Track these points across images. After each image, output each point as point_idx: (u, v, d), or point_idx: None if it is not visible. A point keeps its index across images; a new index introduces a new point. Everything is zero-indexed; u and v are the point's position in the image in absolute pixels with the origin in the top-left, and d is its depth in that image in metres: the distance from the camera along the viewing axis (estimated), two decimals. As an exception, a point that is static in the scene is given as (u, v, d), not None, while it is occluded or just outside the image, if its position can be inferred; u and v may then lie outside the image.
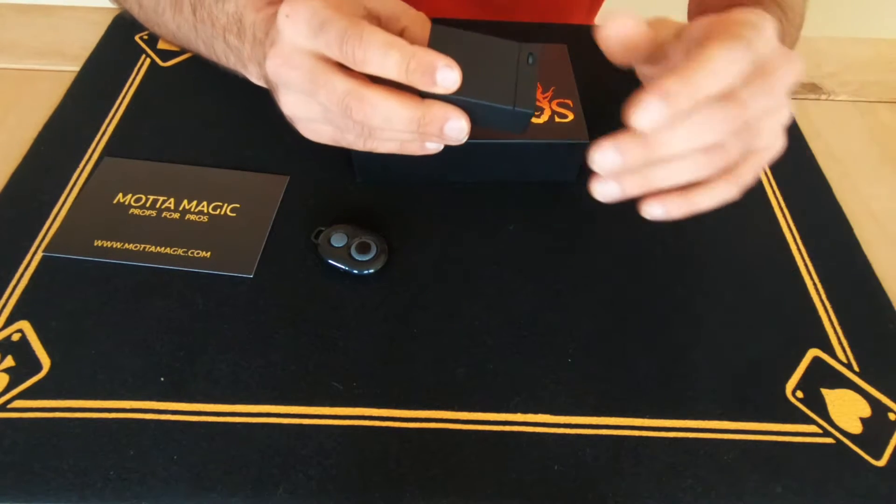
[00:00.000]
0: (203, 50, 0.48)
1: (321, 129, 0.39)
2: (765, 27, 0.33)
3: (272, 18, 0.39)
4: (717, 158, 0.33)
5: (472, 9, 0.69)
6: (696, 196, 0.35)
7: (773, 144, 0.36)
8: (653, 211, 0.35)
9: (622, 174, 0.34)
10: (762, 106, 0.33)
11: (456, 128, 0.35)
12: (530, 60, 0.36)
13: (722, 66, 0.31)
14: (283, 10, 0.35)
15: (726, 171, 0.35)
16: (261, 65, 0.41)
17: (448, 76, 0.33)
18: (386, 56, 0.33)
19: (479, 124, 0.36)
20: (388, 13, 0.38)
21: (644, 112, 0.30)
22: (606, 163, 0.32)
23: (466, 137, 0.36)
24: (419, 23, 0.38)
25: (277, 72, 0.36)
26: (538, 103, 0.49)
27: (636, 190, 0.34)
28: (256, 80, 0.45)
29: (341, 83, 0.34)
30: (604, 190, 0.34)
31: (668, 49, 0.36)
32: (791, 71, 0.33)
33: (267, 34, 0.40)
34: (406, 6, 0.38)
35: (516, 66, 0.36)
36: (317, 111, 0.37)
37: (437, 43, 0.35)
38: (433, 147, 0.39)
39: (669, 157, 0.33)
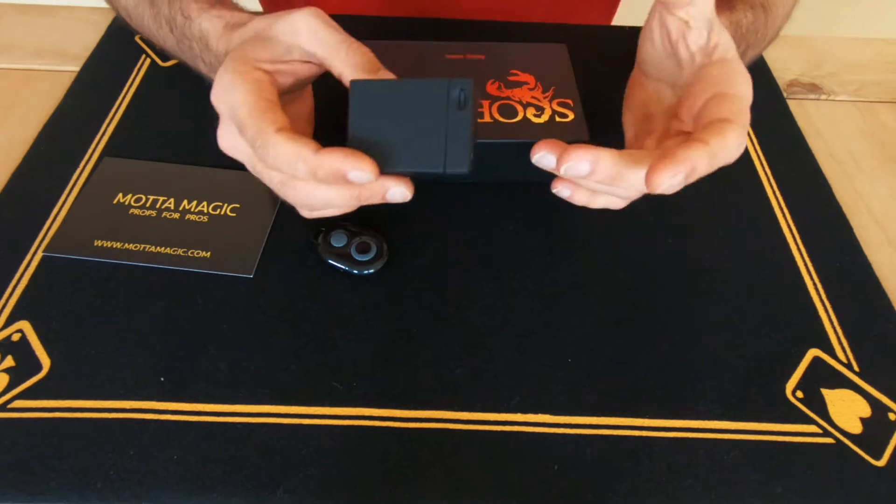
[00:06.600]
0: (191, 65, 0.48)
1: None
2: (749, 93, 0.36)
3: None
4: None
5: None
6: (599, 198, 0.38)
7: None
8: (562, 192, 0.38)
9: (579, 187, 0.37)
10: (721, 163, 0.34)
11: (398, 193, 0.35)
12: (462, 98, 0.34)
13: (734, 146, 0.33)
14: (213, 96, 0.36)
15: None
16: None
17: (360, 176, 0.33)
18: (294, 168, 0.33)
19: (423, 180, 0.36)
20: (323, 55, 0.37)
21: (666, 178, 0.32)
22: (579, 172, 0.34)
23: (411, 196, 0.36)
24: (359, 59, 0.37)
25: (224, 147, 0.38)
26: (539, 103, 0.49)
27: (581, 202, 0.38)
28: None
29: (277, 174, 0.36)
30: (562, 191, 0.38)
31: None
32: (746, 122, 0.35)
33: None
34: (343, 42, 0.37)
35: (446, 112, 0.34)
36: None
37: (357, 101, 0.34)
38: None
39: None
